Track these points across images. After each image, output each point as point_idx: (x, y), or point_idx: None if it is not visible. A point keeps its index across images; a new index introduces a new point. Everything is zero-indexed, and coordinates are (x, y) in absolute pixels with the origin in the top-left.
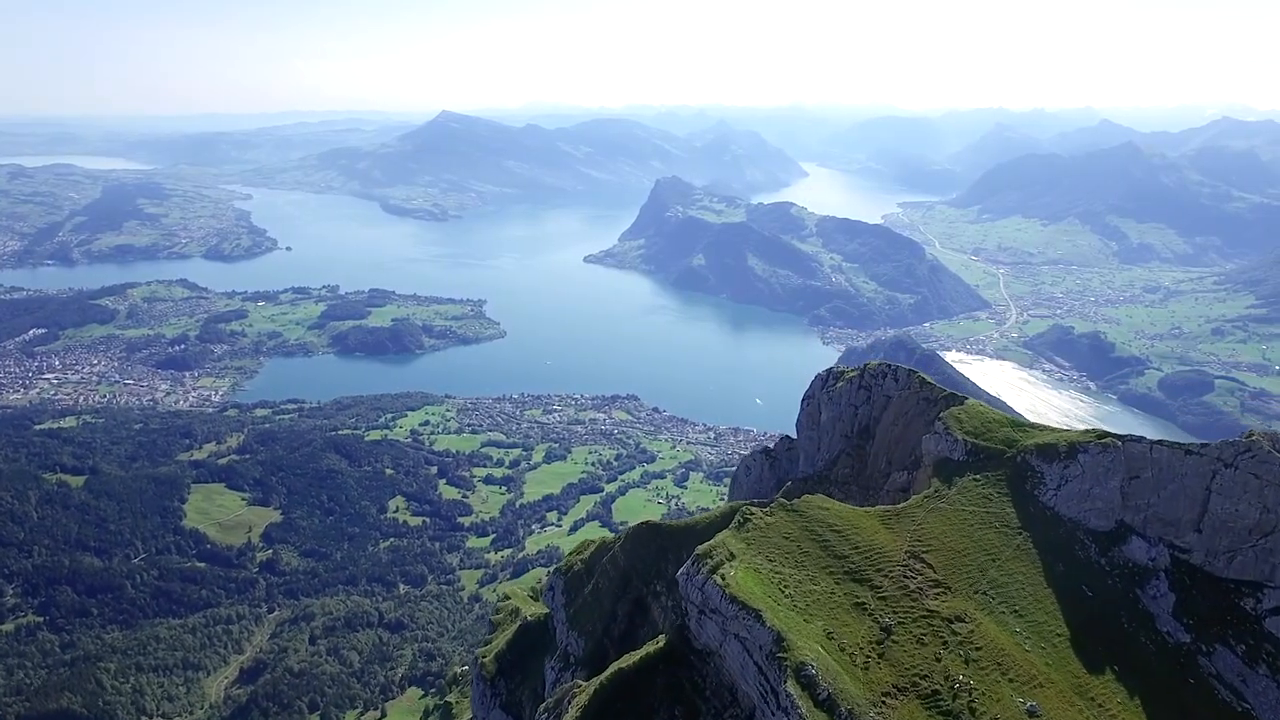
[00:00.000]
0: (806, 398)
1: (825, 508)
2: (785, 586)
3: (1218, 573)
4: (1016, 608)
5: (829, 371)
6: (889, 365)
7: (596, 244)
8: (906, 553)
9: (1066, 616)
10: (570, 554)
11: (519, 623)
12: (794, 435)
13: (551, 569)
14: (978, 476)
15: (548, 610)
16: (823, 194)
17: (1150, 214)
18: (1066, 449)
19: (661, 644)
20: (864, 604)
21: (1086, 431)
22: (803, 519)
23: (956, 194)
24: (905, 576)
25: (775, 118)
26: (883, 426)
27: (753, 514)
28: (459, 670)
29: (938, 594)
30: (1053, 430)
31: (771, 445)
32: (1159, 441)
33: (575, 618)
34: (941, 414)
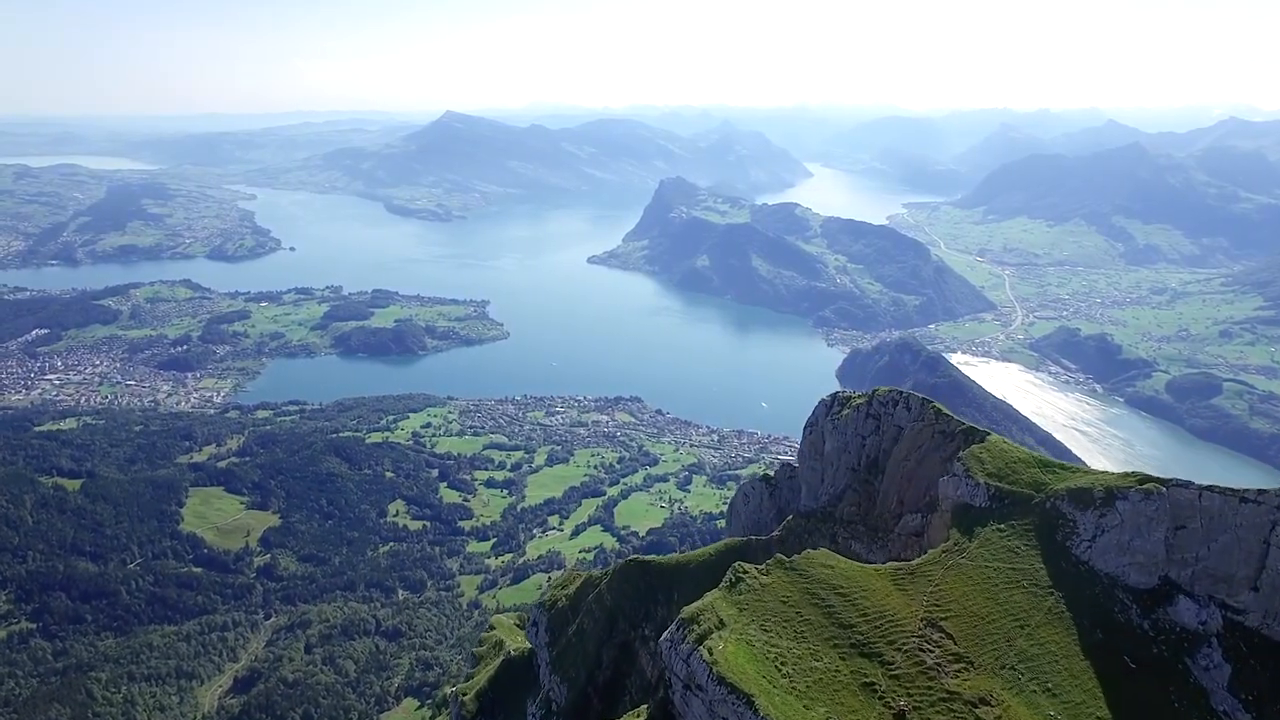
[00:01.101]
0: (809, 425)
1: (829, 565)
2: (782, 663)
3: (1278, 638)
4: (1049, 685)
5: (834, 397)
6: (899, 393)
7: (600, 245)
8: (923, 620)
9: (1107, 695)
10: (555, 587)
11: (503, 657)
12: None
13: (535, 603)
14: (1002, 526)
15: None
16: (827, 194)
17: (1157, 215)
18: (1103, 494)
19: (643, 717)
20: (874, 684)
21: (1125, 475)
22: (804, 579)
23: (961, 194)
24: (921, 650)
25: (779, 118)
26: (893, 461)
27: (746, 572)
28: (449, 690)
29: (958, 670)
30: (1086, 472)
31: (772, 472)
32: (1209, 487)
33: (559, 660)
34: (960, 453)
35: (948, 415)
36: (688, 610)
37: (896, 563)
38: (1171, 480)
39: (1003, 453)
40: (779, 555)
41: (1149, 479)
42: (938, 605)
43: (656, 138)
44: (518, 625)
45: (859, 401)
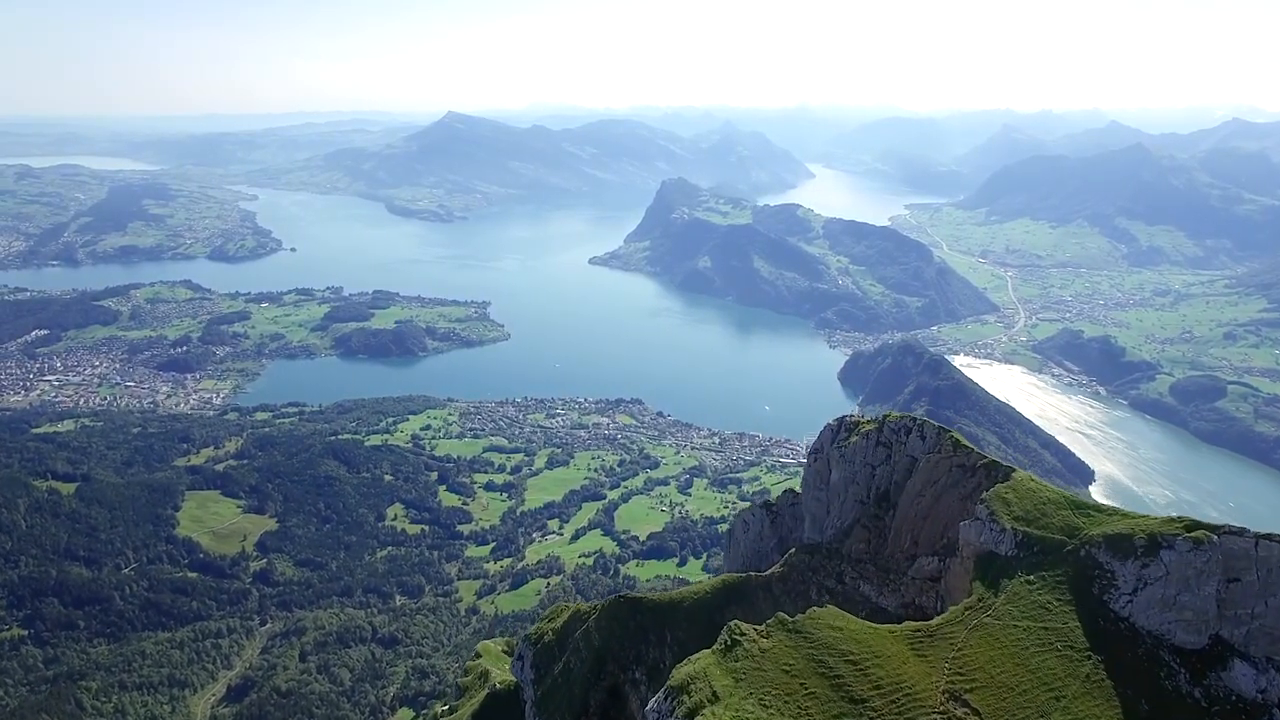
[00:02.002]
0: (814, 451)
1: (838, 627)
2: None
3: None
4: None
5: (840, 422)
6: (913, 419)
7: (601, 245)
8: (944, 692)
9: None
10: (542, 620)
11: (487, 690)
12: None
13: (522, 637)
14: (1031, 578)
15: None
16: (829, 195)
17: (1160, 216)
18: (1145, 542)
19: None
20: None
21: (1171, 520)
22: (809, 644)
23: (964, 196)
24: None
25: (781, 119)
26: (907, 496)
27: (744, 635)
28: (440, 710)
29: None
30: (1125, 515)
31: (773, 499)
32: (1266, 536)
33: (544, 700)
34: (984, 495)
35: (967, 447)
36: (678, 675)
37: (914, 623)
38: (1223, 527)
39: (1031, 492)
40: (781, 616)
41: (1197, 525)
42: (961, 674)
43: (658, 138)
44: (505, 652)
45: (868, 428)
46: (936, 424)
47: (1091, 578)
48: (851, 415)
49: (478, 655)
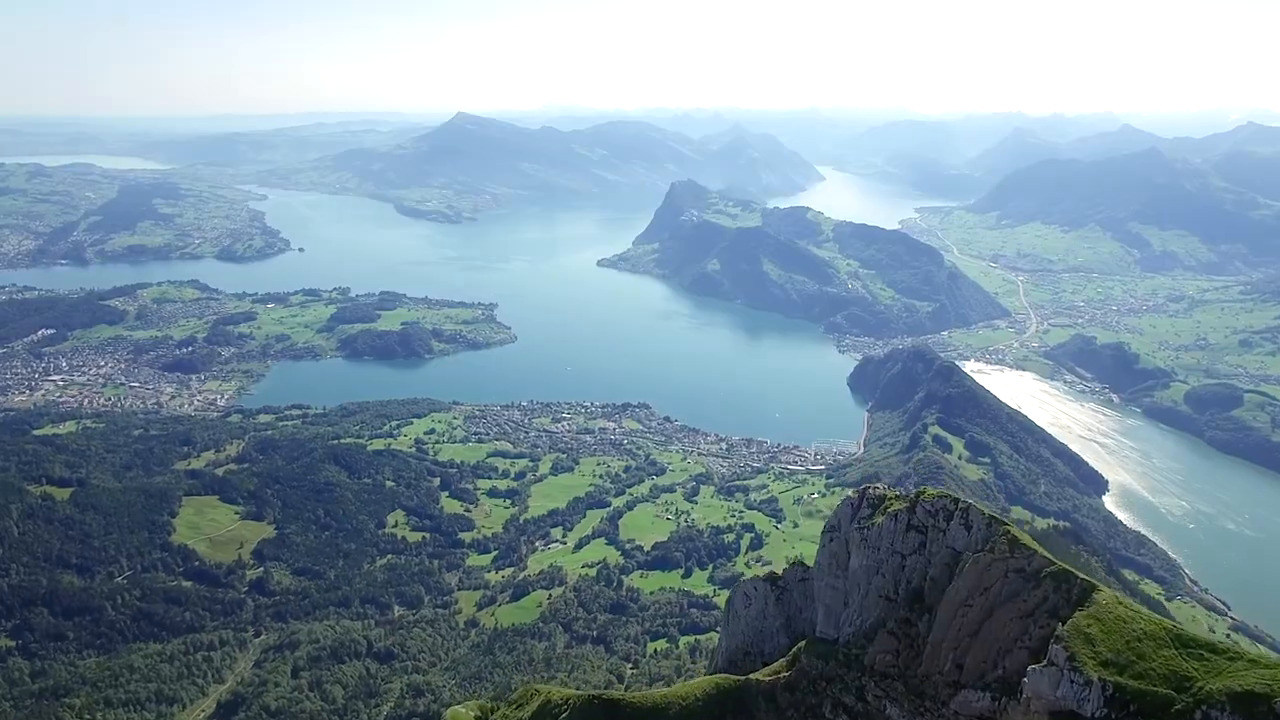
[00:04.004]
0: (829, 530)
1: None
2: None
3: None
4: None
5: (862, 495)
6: (953, 501)
7: (610, 247)
8: None
9: None
10: (510, 704)
11: None
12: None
13: None
14: None
15: None
16: (839, 198)
17: (1173, 221)
18: None
19: None
20: None
21: None
22: None
23: (975, 199)
24: None
25: (791, 120)
26: (949, 603)
27: None
28: None
29: None
30: (1249, 661)
31: (779, 571)
32: None
33: None
34: (1060, 630)
35: (1027, 547)
36: None
37: None
38: None
39: (1121, 624)
40: None
41: None
42: None
43: (668, 140)
44: (477, 718)
45: (897, 507)
46: (986, 511)
47: None
48: (874, 487)
49: None
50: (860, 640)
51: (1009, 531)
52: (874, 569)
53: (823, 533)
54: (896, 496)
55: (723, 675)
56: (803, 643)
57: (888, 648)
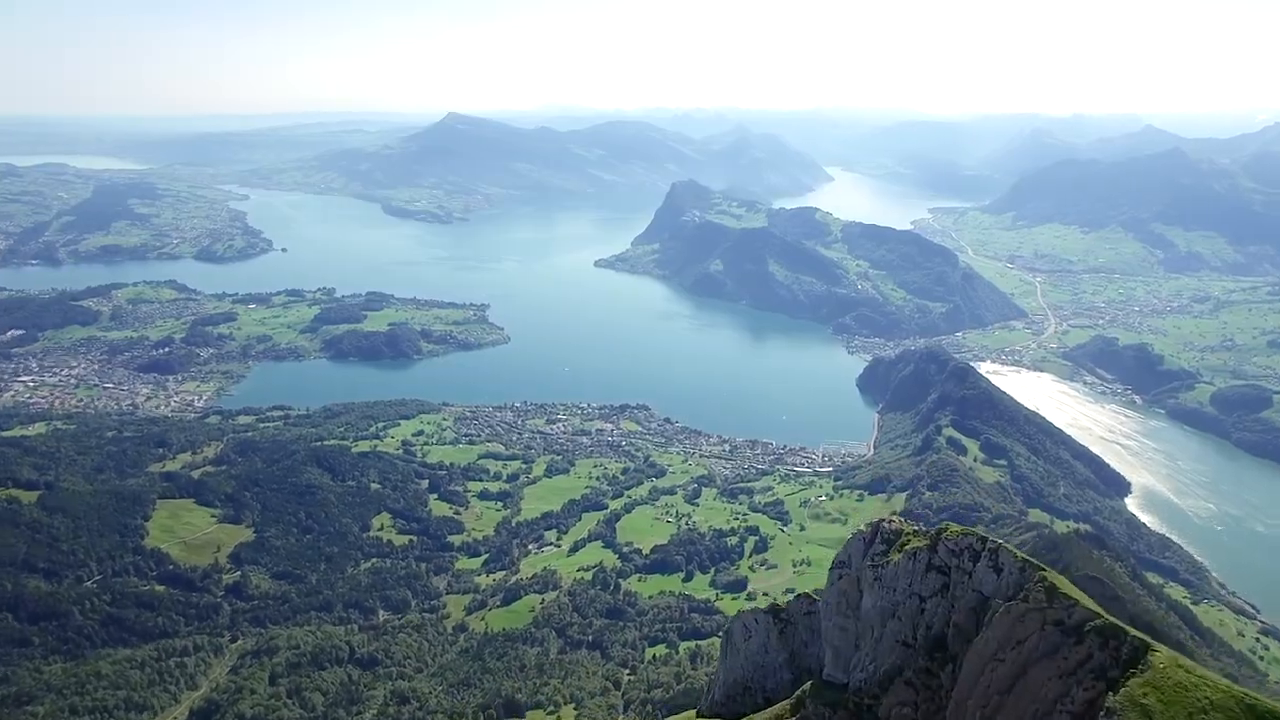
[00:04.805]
0: (838, 565)
1: None
2: None
3: None
4: None
5: (875, 530)
6: (980, 539)
7: (608, 248)
8: None
9: None
10: None
11: None
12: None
13: None
14: None
15: None
16: (849, 199)
17: (1198, 221)
18: None
19: None
20: None
21: None
22: None
23: (990, 200)
24: None
25: (795, 121)
26: (976, 655)
27: None
28: None
29: None
30: None
31: (783, 604)
32: None
33: None
34: (1111, 701)
35: (1067, 597)
36: None
37: None
38: None
39: (1182, 692)
40: None
41: None
42: None
43: (668, 140)
44: None
45: (915, 545)
46: (1020, 555)
47: None
48: (890, 521)
49: None
50: (873, 688)
51: (1045, 578)
52: (889, 611)
53: (830, 568)
54: (915, 532)
55: None
56: (808, 685)
57: (905, 699)
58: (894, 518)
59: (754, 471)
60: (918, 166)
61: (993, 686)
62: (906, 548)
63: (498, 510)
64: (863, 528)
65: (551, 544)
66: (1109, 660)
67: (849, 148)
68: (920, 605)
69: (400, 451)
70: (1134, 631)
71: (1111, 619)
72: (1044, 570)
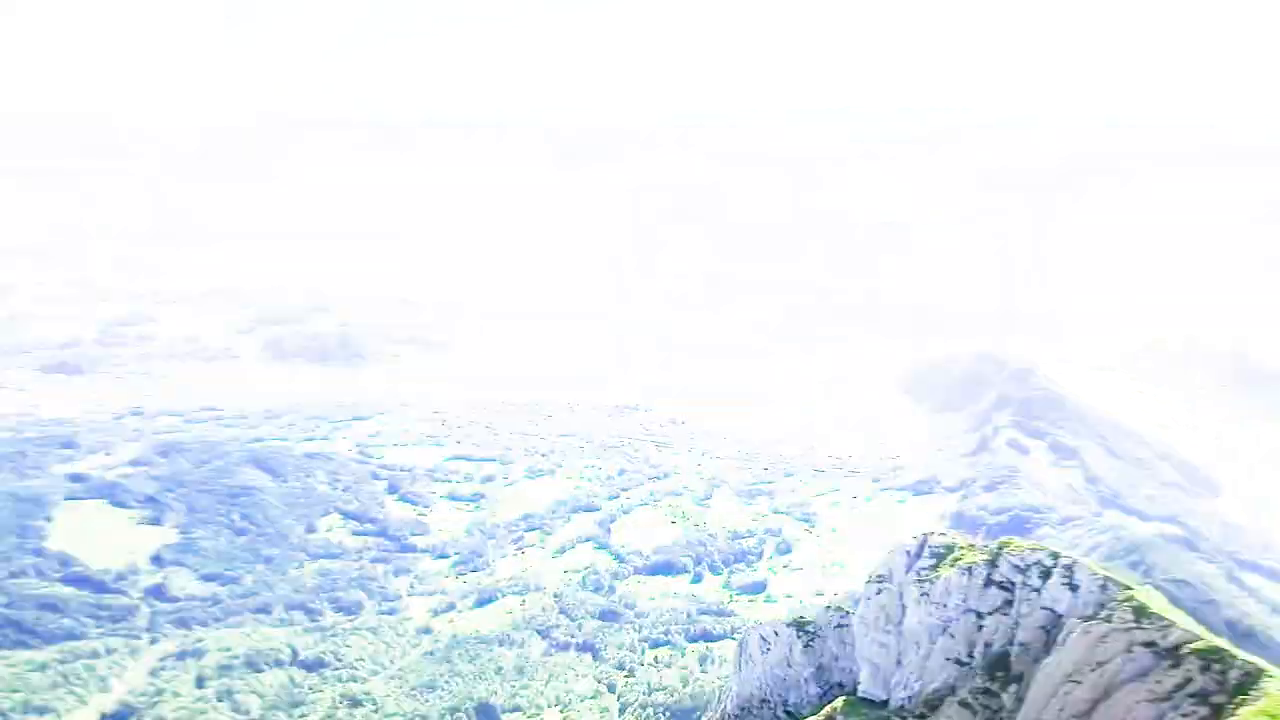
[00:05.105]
0: (877, 579)
1: None
2: None
3: None
4: None
5: (922, 543)
6: (1052, 555)
7: None
8: None
9: None
10: None
11: None
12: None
13: None
14: None
15: None
16: None
17: None
18: None
19: None
20: None
21: None
22: None
23: None
24: None
25: None
26: (1048, 676)
27: None
28: None
29: None
30: None
31: (806, 615)
32: None
33: None
34: None
35: (1157, 617)
36: None
37: None
38: None
39: None
40: None
41: None
42: None
43: None
44: None
45: (971, 559)
46: (1100, 569)
47: None
48: (937, 534)
49: None
50: (919, 707)
51: (1134, 600)
52: (940, 628)
53: (867, 583)
54: (969, 546)
55: None
56: (840, 701)
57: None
58: (942, 531)
59: (775, 470)
60: None
61: (1066, 709)
62: (960, 562)
63: (470, 512)
64: (908, 541)
65: (535, 545)
66: (1212, 684)
67: None
68: (977, 622)
69: (354, 453)
70: (1243, 655)
71: (1215, 642)
72: (1130, 589)
